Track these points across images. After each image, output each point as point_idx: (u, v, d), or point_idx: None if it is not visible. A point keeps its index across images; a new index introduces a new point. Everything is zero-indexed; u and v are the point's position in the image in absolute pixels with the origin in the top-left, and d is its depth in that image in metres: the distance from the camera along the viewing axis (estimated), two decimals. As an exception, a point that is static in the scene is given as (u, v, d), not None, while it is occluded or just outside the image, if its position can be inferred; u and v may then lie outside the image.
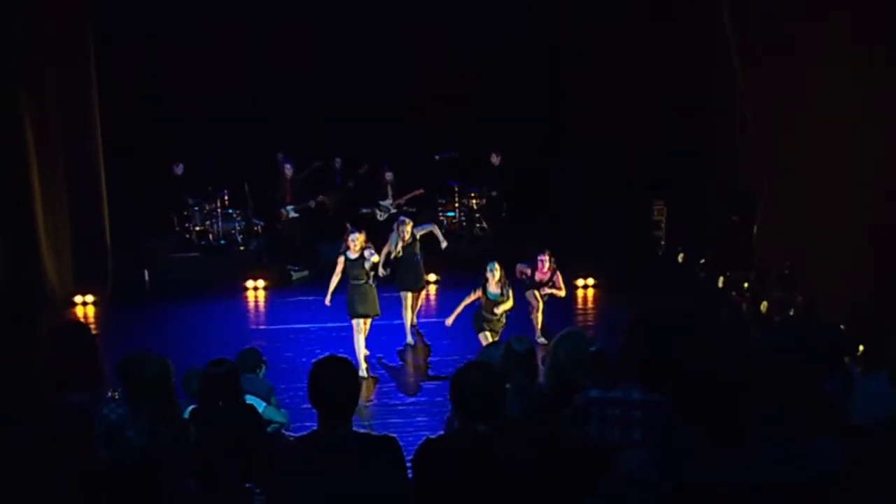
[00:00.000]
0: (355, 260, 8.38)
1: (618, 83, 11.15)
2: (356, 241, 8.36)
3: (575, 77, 11.45)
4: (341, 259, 8.47)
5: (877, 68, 8.20)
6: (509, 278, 8.52)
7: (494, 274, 8.22)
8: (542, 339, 8.85)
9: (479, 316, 8.36)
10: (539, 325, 9.19)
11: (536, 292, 9.09)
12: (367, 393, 8.02)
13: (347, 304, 8.46)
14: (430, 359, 9.08)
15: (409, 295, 9.33)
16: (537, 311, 9.17)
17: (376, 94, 12.76)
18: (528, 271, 9.13)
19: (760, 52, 10.28)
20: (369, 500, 3.14)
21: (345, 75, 12.77)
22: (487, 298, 8.24)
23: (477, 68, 12.79)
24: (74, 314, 10.45)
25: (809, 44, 9.21)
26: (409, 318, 9.41)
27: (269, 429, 5.53)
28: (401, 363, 9.04)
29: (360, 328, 8.42)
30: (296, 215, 12.60)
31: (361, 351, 8.43)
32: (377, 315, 8.57)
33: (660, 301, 9.23)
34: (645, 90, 11.29)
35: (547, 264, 9.03)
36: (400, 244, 9.21)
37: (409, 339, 9.45)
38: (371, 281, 8.45)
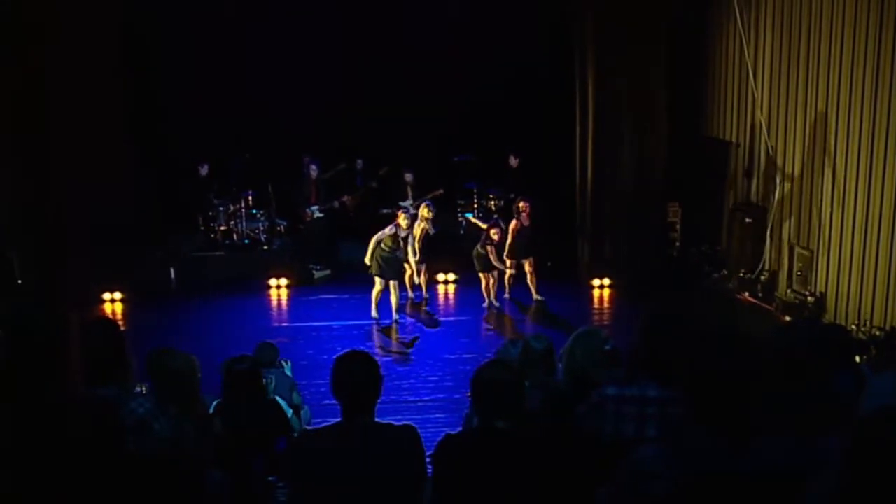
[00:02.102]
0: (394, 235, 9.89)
1: (633, 84, 11.18)
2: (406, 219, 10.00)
3: (590, 79, 11.48)
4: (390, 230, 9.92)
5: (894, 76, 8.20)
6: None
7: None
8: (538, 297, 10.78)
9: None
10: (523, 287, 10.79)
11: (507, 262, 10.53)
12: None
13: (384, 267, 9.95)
14: (445, 355, 9.19)
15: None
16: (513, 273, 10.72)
17: (396, 96, 12.85)
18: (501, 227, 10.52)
19: (773, 54, 10.30)
20: (389, 487, 3.21)
21: (366, 78, 12.87)
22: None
23: (496, 71, 12.86)
24: (103, 311, 10.63)
25: (826, 48, 9.21)
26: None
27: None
28: (418, 357, 9.19)
29: (389, 287, 10.02)
30: (320, 215, 12.75)
31: (394, 303, 10.14)
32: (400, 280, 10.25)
33: (674, 301, 9.34)
34: (659, 92, 11.32)
35: (529, 210, 10.47)
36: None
37: (411, 294, 11.01)
38: (399, 253, 10.00)
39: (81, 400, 3.03)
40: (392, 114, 12.84)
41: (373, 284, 10.10)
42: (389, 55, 12.76)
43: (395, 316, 10.13)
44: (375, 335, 9.88)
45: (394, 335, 9.92)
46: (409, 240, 10.07)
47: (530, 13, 12.38)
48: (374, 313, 10.17)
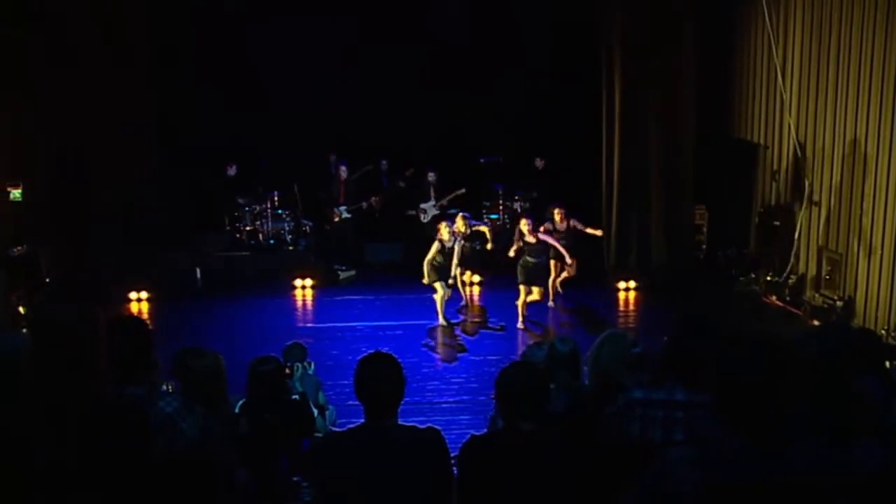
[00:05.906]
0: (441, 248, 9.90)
1: (659, 85, 11.11)
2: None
3: (616, 80, 11.43)
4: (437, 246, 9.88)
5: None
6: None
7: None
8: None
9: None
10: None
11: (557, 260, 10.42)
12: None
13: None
14: (470, 357, 9.17)
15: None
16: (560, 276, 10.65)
17: (422, 97, 12.87)
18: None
19: (802, 55, 10.17)
20: (414, 488, 3.21)
21: (392, 79, 12.90)
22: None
23: (522, 72, 12.83)
24: (129, 310, 10.72)
25: (857, 48, 9.08)
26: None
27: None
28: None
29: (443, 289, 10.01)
30: (348, 216, 12.79)
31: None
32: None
33: (701, 304, 9.28)
34: (686, 93, 11.24)
35: (563, 214, 10.44)
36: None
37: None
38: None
39: (109, 398, 3.04)
40: (418, 115, 12.86)
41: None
42: (415, 56, 12.78)
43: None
44: (401, 337, 9.87)
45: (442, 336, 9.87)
46: (455, 249, 9.99)
47: (557, 15, 12.36)
48: (442, 320, 10.05)
